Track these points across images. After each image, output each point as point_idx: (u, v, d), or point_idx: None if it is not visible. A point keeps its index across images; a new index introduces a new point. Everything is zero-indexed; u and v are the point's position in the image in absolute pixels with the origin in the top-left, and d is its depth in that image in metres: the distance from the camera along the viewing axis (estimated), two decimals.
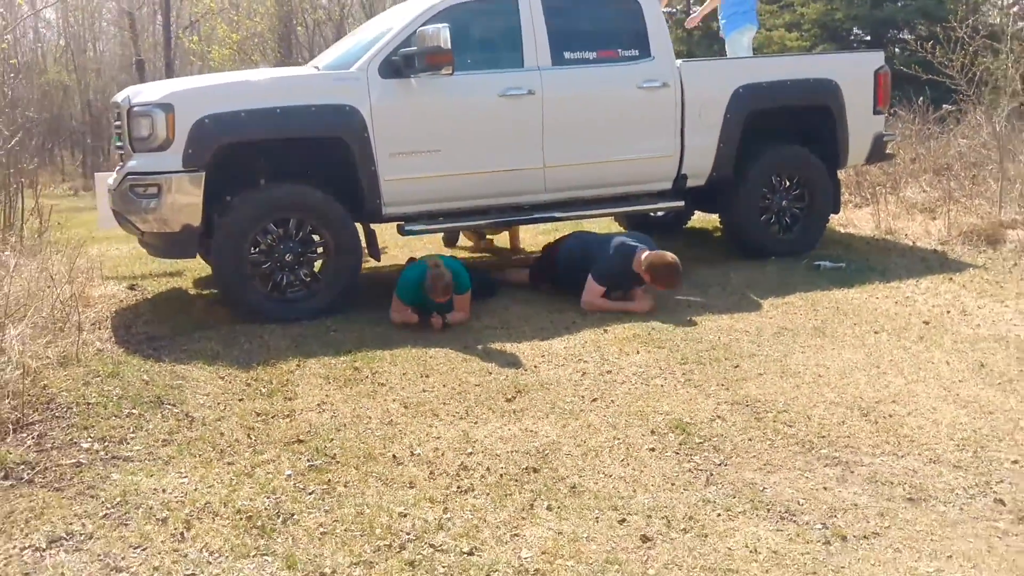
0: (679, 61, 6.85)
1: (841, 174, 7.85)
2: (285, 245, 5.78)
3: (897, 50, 17.86)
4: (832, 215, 7.55)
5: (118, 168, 6.29)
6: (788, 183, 7.22)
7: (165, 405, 4.29)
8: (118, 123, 6.01)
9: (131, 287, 6.92)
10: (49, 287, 5.49)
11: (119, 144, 6.06)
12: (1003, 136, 8.40)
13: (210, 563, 3.02)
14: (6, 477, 3.54)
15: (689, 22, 9.77)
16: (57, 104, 23.83)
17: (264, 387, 4.60)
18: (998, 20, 18.55)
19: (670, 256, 5.74)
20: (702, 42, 21.00)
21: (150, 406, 4.26)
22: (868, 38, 21.01)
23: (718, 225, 8.43)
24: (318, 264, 5.94)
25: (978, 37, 8.44)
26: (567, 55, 6.49)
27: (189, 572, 2.97)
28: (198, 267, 7.48)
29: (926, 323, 5.44)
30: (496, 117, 6.27)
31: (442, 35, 5.76)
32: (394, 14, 6.74)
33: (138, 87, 6.19)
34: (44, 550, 3.08)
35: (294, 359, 4.99)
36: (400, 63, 5.95)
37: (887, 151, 7.74)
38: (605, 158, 6.58)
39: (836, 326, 5.42)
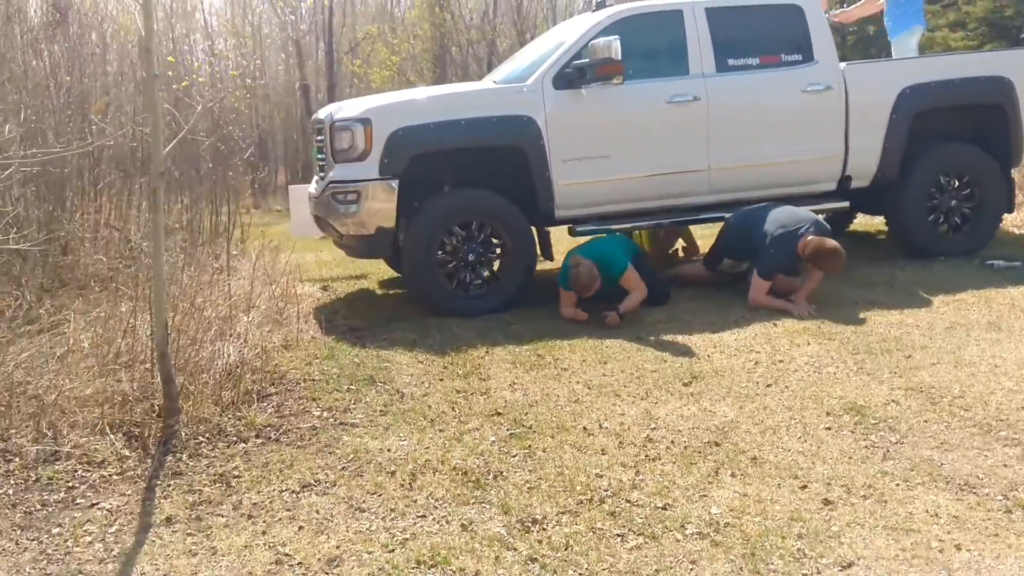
0: (843, 64, 6.98)
1: (1017, 175, 7.70)
2: (468, 246, 6.29)
3: None
4: (1006, 215, 7.44)
5: (317, 179, 7.01)
6: (957, 182, 7.18)
7: (377, 383, 4.84)
8: (320, 138, 6.69)
9: (324, 288, 7.63)
10: (265, 285, 6.21)
11: (320, 156, 6.74)
12: None
13: (436, 508, 3.48)
14: (257, 436, 4.14)
15: (843, 16, 9.46)
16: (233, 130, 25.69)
17: (459, 370, 5.08)
18: None
19: (830, 242, 5.87)
20: (856, 47, 20.65)
21: (365, 383, 4.82)
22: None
23: (881, 228, 8.45)
24: (496, 264, 6.41)
25: None
26: (731, 62, 6.74)
27: (420, 514, 3.44)
28: (380, 271, 8.16)
29: None
30: (663, 123, 6.60)
31: (613, 47, 6.14)
32: (565, 28, 7.19)
33: (339, 104, 6.87)
34: (298, 493, 3.63)
35: (482, 347, 5.45)
36: (573, 75, 6.37)
37: None
38: (769, 160, 6.78)
39: (1012, 321, 5.42)
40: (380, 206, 6.18)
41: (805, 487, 3.55)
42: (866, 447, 3.89)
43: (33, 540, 3.32)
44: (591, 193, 6.50)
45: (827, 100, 6.85)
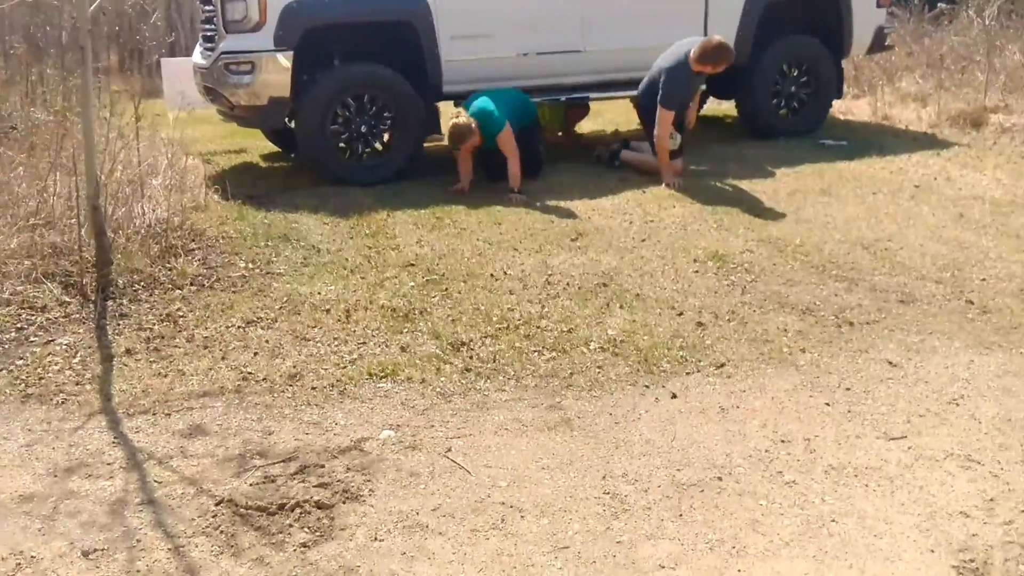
0: None
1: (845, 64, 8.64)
2: (360, 118, 6.60)
3: None
4: (835, 100, 8.39)
5: (202, 50, 7.05)
6: (797, 71, 8.03)
7: (291, 240, 5.20)
8: (209, 7, 6.71)
9: (207, 160, 7.74)
10: (159, 155, 6.32)
11: (209, 27, 6.77)
12: (992, 32, 9.20)
13: (374, 336, 3.98)
14: (191, 284, 4.47)
15: None
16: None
17: (366, 230, 5.49)
18: None
19: (715, 38, 6.46)
20: None
21: (280, 240, 5.17)
22: None
23: (728, 114, 9.30)
24: (387, 135, 6.75)
25: None
26: None
27: (360, 341, 3.93)
28: (259, 146, 8.30)
29: (916, 186, 6.37)
30: (543, 6, 7.03)
31: None
32: None
33: None
34: (244, 328, 4.04)
35: (383, 211, 5.86)
36: None
37: (887, 43, 8.54)
38: (637, 44, 7.35)
39: (840, 189, 6.34)
40: (274, 77, 6.36)
41: (681, 314, 4.27)
42: (727, 284, 4.66)
43: (1, 370, 3.59)
44: (477, 69, 6.89)
45: None
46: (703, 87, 6.81)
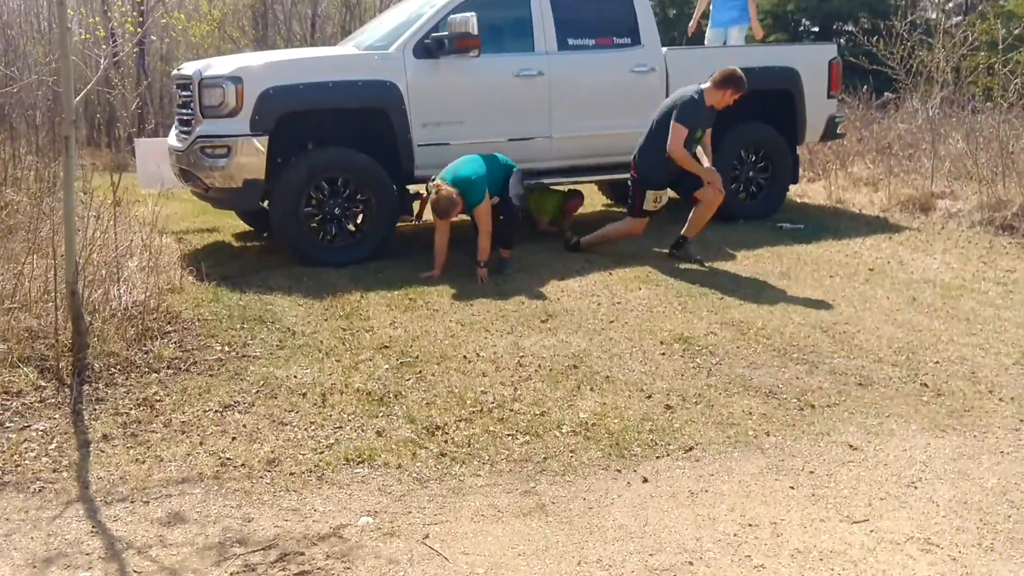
0: (665, 49, 7.95)
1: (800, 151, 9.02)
2: (334, 201, 6.74)
3: (843, 41, 19.28)
4: (791, 185, 8.73)
5: (178, 133, 7.20)
6: (755, 156, 8.37)
7: (267, 322, 5.27)
8: (185, 93, 6.89)
9: (178, 239, 7.82)
10: (136, 234, 6.39)
11: (185, 111, 6.93)
12: (935, 121, 9.68)
13: (350, 420, 4.05)
14: (168, 367, 4.51)
15: (690, 30, 10.61)
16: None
17: (340, 311, 5.59)
18: (934, 15, 20.07)
19: (728, 68, 6.63)
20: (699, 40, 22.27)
21: (255, 322, 5.24)
22: (816, 29, 22.48)
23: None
24: (361, 218, 6.89)
25: (915, 33, 9.71)
26: (570, 41, 7.53)
27: (337, 426, 4.00)
28: (231, 225, 8.41)
29: (871, 270, 6.64)
30: (511, 94, 7.30)
31: (471, 22, 6.76)
32: (420, 1, 7.72)
33: (206, 61, 7.07)
34: (222, 412, 4.08)
35: (356, 292, 5.97)
36: (432, 45, 6.92)
37: (839, 131, 8.95)
38: (602, 131, 7.65)
39: (798, 272, 6.58)
40: (249, 160, 6.50)
41: (650, 397, 4.40)
42: (694, 367, 4.81)
43: None
44: (447, 154, 7.06)
45: (651, 79, 7.80)
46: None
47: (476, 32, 6.76)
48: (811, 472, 3.64)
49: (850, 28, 21.27)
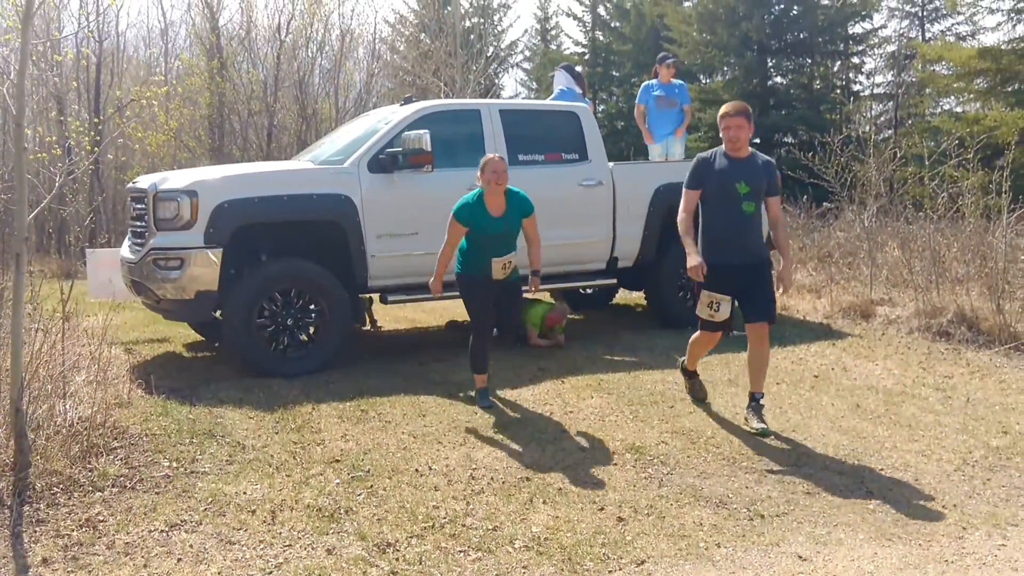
0: (611, 164, 8.25)
1: None
2: (287, 311, 6.77)
3: (783, 153, 20.13)
4: None
5: (131, 245, 7.22)
6: None
7: (216, 436, 5.21)
8: (140, 206, 6.95)
9: (127, 350, 7.75)
10: (84, 346, 6.33)
11: (139, 224, 6.97)
12: (871, 230, 10.10)
13: (300, 538, 3.99)
14: (113, 485, 4.42)
15: (649, 140, 10.82)
16: None
17: (291, 424, 5.55)
18: (866, 129, 21.14)
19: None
20: (607, 139, 23.03)
21: (205, 437, 5.18)
22: (757, 141, 23.45)
23: (639, 302, 9.83)
24: (313, 328, 6.91)
25: (849, 147, 10.21)
26: (521, 156, 7.79)
27: (286, 544, 3.93)
28: (181, 334, 8.36)
29: (816, 376, 6.80)
30: None
31: (424, 139, 6.98)
32: (374, 117, 7.96)
33: (162, 174, 7.17)
34: (167, 532, 4.00)
35: (308, 404, 5.94)
36: (386, 160, 7.12)
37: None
38: (551, 242, 7.80)
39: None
40: (203, 271, 6.54)
41: (603, 509, 4.41)
42: (645, 477, 4.84)
43: None
44: (401, 266, 7.21)
45: (599, 193, 8.07)
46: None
47: (429, 148, 6.98)
48: None
49: (789, 140, 22.28)
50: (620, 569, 3.79)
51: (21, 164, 4.31)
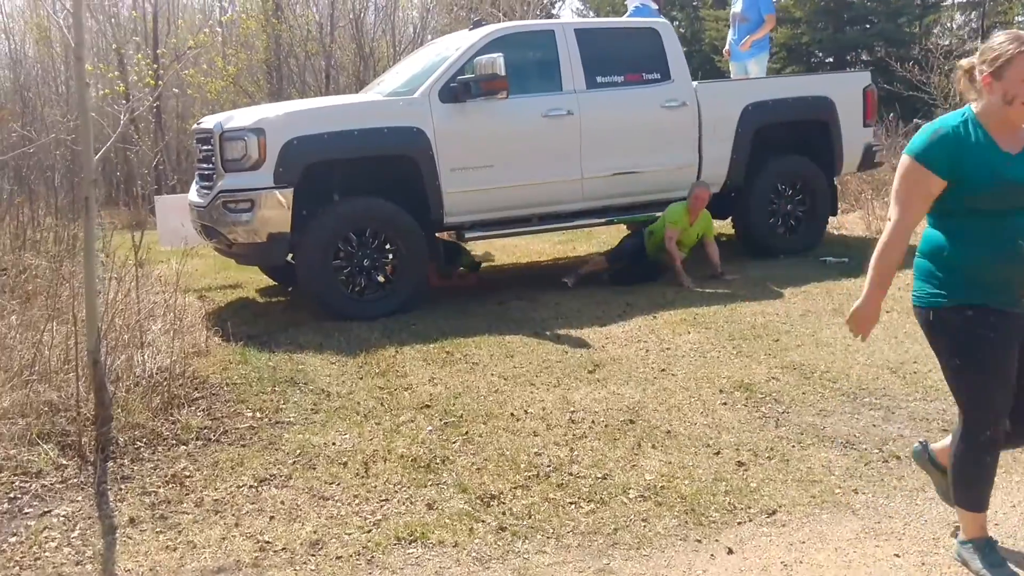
0: (695, 83, 7.70)
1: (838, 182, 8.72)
2: (363, 252, 6.48)
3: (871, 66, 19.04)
4: (831, 217, 8.42)
5: (199, 188, 6.98)
6: (792, 190, 8.08)
7: (299, 384, 4.97)
8: (206, 147, 6.67)
9: (200, 297, 7.57)
10: (157, 294, 6.14)
11: (207, 166, 6.71)
12: None
13: (397, 492, 3.72)
14: (197, 438, 4.21)
15: (725, 54, 10.23)
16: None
17: (375, 368, 5.28)
18: (946, 42, 19.87)
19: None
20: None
21: (287, 384, 4.94)
22: (830, 60, 22.30)
23: (719, 231, 9.33)
24: (391, 269, 6.61)
25: (952, 59, 9.44)
26: (599, 79, 7.30)
27: (383, 499, 3.66)
28: (253, 280, 8.16)
29: None
30: (540, 135, 7.05)
31: (498, 63, 6.54)
32: (443, 44, 7.53)
33: (227, 113, 6.88)
34: (257, 487, 3.76)
35: (390, 347, 5.67)
36: (458, 89, 6.70)
37: (876, 160, 8.65)
38: (633, 169, 7.38)
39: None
40: (274, 214, 6.27)
41: (718, 453, 4.05)
42: (759, 417, 4.46)
43: None
44: (477, 201, 6.85)
45: (683, 115, 7.55)
46: None
47: (504, 73, 6.54)
48: (914, 536, 3.27)
49: (865, 58, 21.14)
50: (750, 520, 3.44)
51: (84, 101, 4.02)
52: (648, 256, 7.38)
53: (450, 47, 7.21)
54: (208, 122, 6.76)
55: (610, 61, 7.40)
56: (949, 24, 23.74)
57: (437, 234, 6.94)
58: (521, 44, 7.19)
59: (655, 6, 8.98)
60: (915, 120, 11.97)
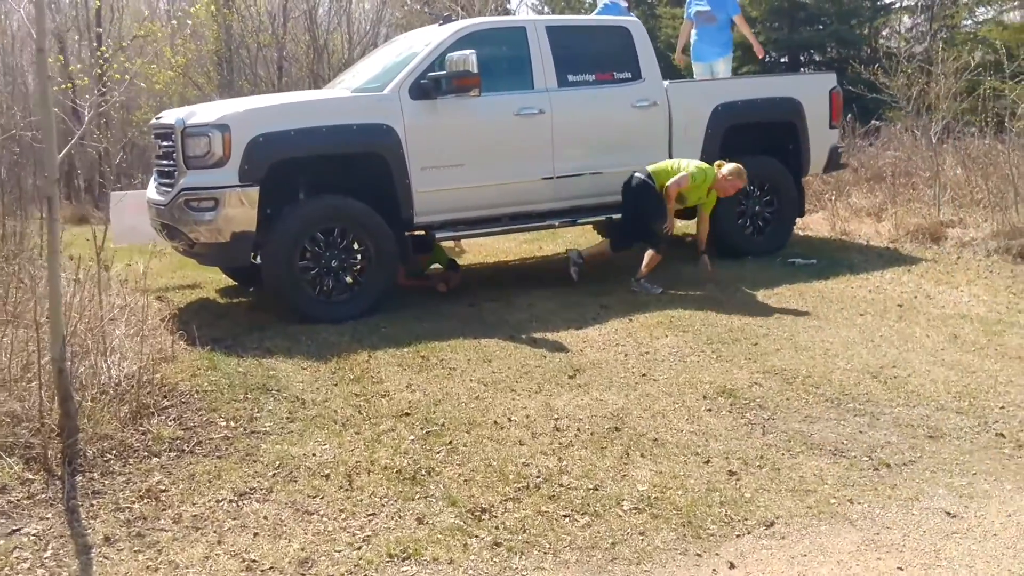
0: (666, 82, 7.65)
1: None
2: (330, 252, 6.30)
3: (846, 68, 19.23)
4: (798, 218, 8.46)
5: (158, 185, 6.72)
6: (760, 191, 8.08)
7: (272, 391, 4.80)
8: (166, 143, 6.42)
9: (159, 298, 7.30)
10: (115, 296, 5.89)
11: (167, 163, 6.46)
12: (937, 149, 9.51)
13: (384, 505, 3.59)
14: (170, 449, 4.02)
15: (678, 60, 10.20)
16: None
17: (349, 374, 5.12)
18: (895, 45, 20.24)
19: None
20: (689, 71, 22.24)
21: (259, 392, 4.76)
22: (784, 60, 22.54)
23: (687, 232, 9.33)
24: (359, 269, 6.43)
25: (914, 61, 9.56)
26: (570, 78, 7.21)
27: (370, 513, 3.54)
28: (212, 280, 7.92)
29: (900, 306, 6.33)
30: (512, 134, 6.93)
31: (470, 60, 6.40)
32: (412, 40, 7.36)
33: (189, 108, 6.64)
34: (237, 501, 3.60)
35: (363, 351, 5.51)
36: (429, 85, 6.55)
37: (841, 161, 8.72)
38: (604, 169, 7.30)
39: (825, 311, 6.25)
40: (238, 212, 6.06)
41: (708, 462, 4.00)
42: (745, 424, 4.42)
43: None
44: (447, 200, 6.71)
45: (654, 114, 7.50)
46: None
47: (475, 70, 6.40)
48: (915, 548, 3.24)
49: (817, 58, 21.37)
50: (749, 532, 3.39)
51: (47, 96, 3.80)
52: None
53: (419, 43, 7.05)
54: (168, 117, 6.52)
55: (581, 59, 7.31)
56: (898, 27, 24.18)
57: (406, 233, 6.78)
58: (492, 41, 7.06)
59: (625, 4, 8.93)
60: (873, 121, 12.14)
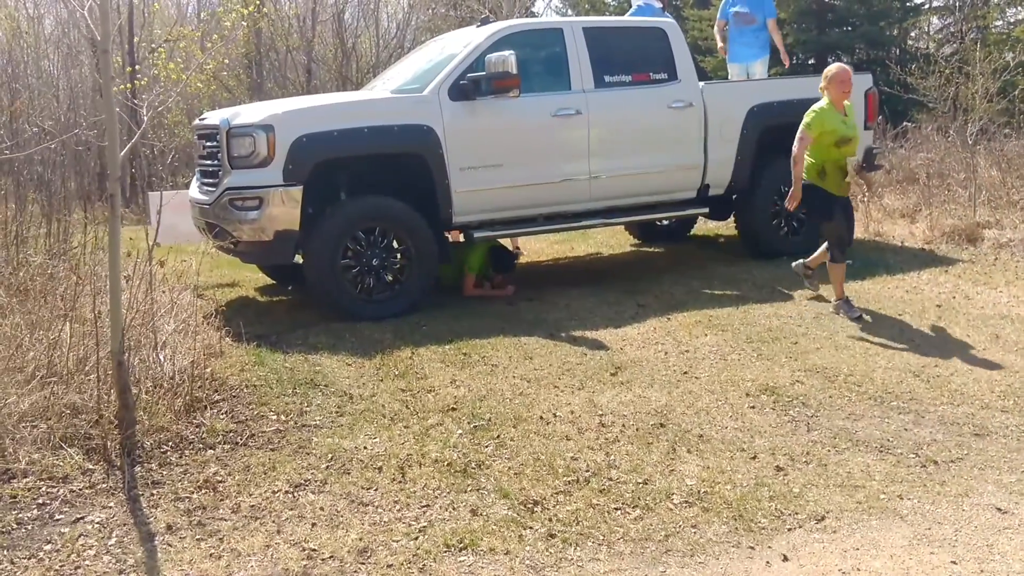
0: (702, 83, 7.68)
1: None
2: (371, 251, 6.38)
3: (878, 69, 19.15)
4: None
5: (201, 185, 6.84)
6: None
7: (319, 386, 4.88)
8: (211, 143, 6.53)
9: (199, 296, 7.41)
10: (162, 293, 6.00)
11: (211, 163, 6.57)
12: (973, 150, 9.47)
13: (437, 497, 3.65)
14: (224, 442, 4.11)
15: (721, 51, 10.14)
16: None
17: (393, 371, 5.20)
18: (924, 46, 20.11)
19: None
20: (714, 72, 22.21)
21: (307, 386, 4.84)
22: (812, 62, 22.45)
23: (720, 232, 9.36)
24: (400, 268, 6.51)
25: (952, 62, 9.52)
26: (607, 78, 7.25)
27: (424, 504, 3.60)
28: (252, 278, 8.03)
29: (939, 306, 6.32)
30: (550, 134, 6.98)
31: (509, 61, 6.46)
32: (449, 41, 7.44)
33: (233, 109, 6.75)
34: (293, 493, 3.68)
35: (406, 348, 5.58)
36: (468, 86, 6.61)
37: (876, 162, 8.68)
38: (640, 170, 7.33)
39: (864, 310, 6.24)
40: (282, 211, 6.15)
41: (755, 458, 4.03)
42: (789, 421, 4.45)
43: (30, 558, 3.17)
44: (486, 200, 6.77)
45: (689, 115, 7.52)
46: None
47: (515, 71, 6.47)
48: (967, 543, 3.26)
49: (846, 60, 21.28)
50: (800, 526, 3.42)
51: (109, 95, 3.90)
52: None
53: (457, 44, 7.12)
54: (213, 117, 6.63)
55: (618, 60, 7.35)
56: (927, 28, 24.02)
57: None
58: (529, 42, 7.12)
59: (659, 5, 8.96)
60: (905, 123, 12.09)
